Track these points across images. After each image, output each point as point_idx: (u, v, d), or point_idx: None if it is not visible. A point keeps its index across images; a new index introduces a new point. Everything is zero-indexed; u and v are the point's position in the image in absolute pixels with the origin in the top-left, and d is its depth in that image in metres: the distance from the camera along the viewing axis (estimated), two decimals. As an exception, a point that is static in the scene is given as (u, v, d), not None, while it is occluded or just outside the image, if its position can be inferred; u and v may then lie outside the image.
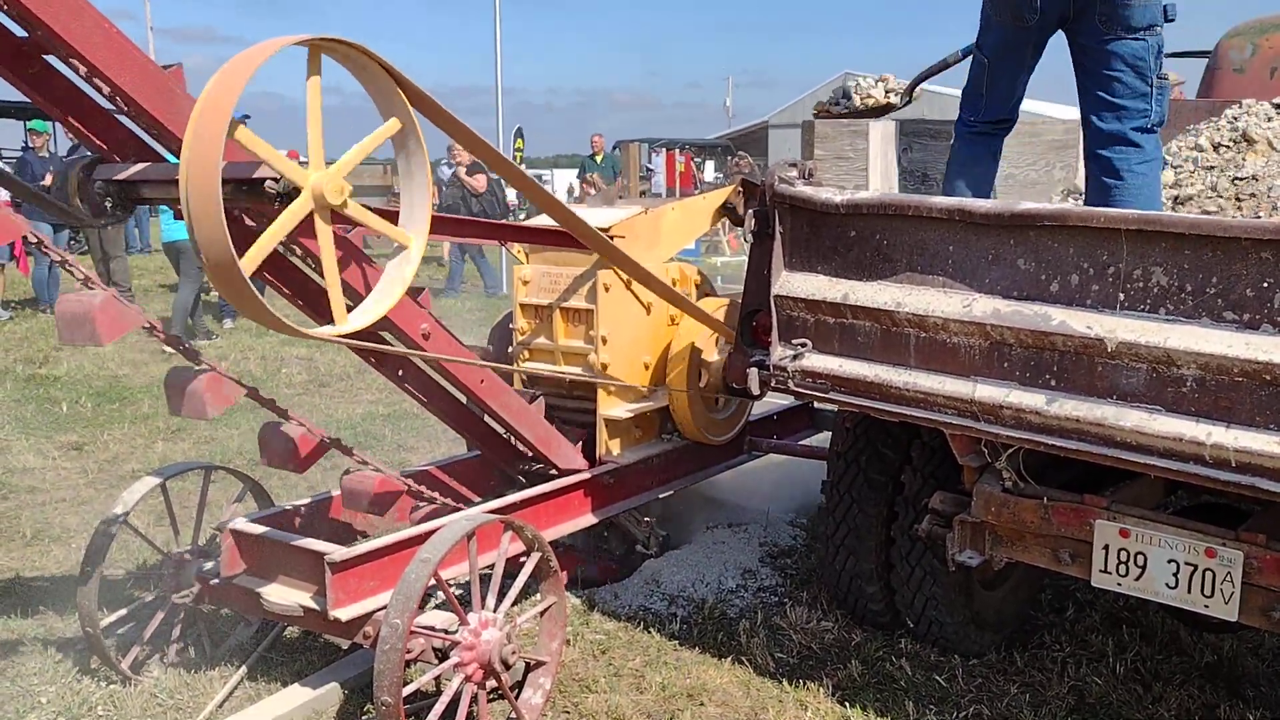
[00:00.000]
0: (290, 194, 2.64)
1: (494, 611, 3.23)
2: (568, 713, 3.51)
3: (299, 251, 3.26)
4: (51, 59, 2.84)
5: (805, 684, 3.64)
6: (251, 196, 2.70)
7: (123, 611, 3.68)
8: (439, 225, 3.19)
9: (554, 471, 4.14)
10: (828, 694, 3.59)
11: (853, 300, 3.10)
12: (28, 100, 3.00)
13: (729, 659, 3.83)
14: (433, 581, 3.04)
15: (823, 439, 5.10)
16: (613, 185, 16.35)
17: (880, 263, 3.08)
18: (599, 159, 17.91)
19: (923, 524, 3.53)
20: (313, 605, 3.27)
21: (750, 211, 3.24)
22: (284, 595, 3.36)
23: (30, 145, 12.38)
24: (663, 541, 4.70)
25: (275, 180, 2.66)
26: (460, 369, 3.65)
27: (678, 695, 3.59)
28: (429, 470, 4.14)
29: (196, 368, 3.14)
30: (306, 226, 2.73)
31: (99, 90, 2.79)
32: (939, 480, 3.64)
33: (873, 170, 3.80)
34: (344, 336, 2.87)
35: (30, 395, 7.95)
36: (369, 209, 2.92)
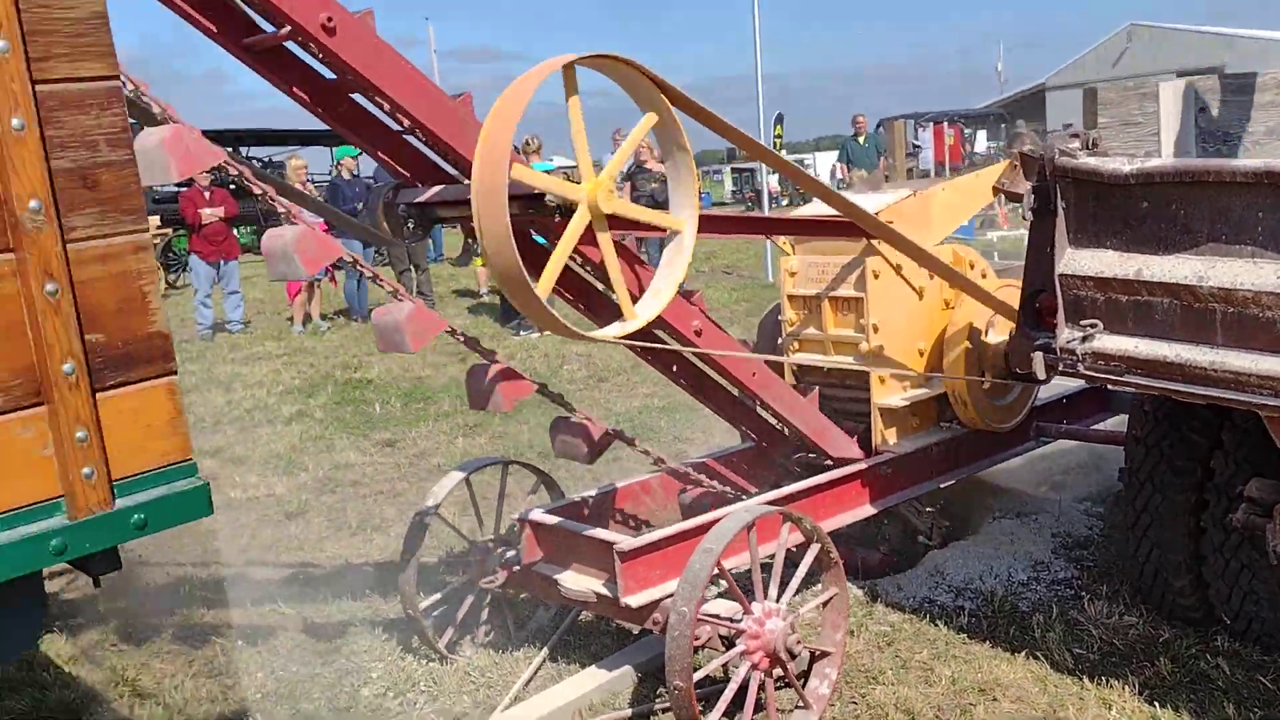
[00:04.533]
0: (569, 208, 2.80)
1: (777, 601, 3.28)
2: (855, 704, 3.51)
3: (578, 259, 3.45)
4: (357, 97, 3.15)
5: (1108, 681, 3.45)
6: (535, 211, 2.89)
7: (437, 595, 4.02)
8: (706, 224, 3.27)
9: (829, 462, 4.14)
10: (1134, 692, 3.38)
11: (1147, 276, 2.90)
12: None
13: (1022, 654, 3.69)
14: (715, 571, 3.13)
15: (1118, 423, 4.80)
16: (875, 169, 15.98)
17: (1178, 234, 2.86)
18: (862, 139, 17.54)
19: (1238, 513, 3.25)
20: (605, 592, 3.45)
21: (1029, 188, 3.10)
22: (579, 582, 3.56)
23: (339, 170, 13.63)
24: (946, 532, 4.59)
25: (556, 196, 2.83)
26: (731, 362, 3.73)
27: (969, 689, 3.51)
28: (705, 462, 4.25)
29: (493, 364, 3.38)
30: (585, 235, 2.89)
31: (399, 122, 3.07)
32: (1254, 466, 3.35)
33: (1165, 135, 3.54)
34: (623, 338, 3.00)
35: (348, 398, 8.78)
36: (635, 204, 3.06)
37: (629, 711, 3.49)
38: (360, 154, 13.64)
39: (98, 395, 1.68)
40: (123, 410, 1.71)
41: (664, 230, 3.15)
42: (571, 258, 3.46)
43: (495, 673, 3.87)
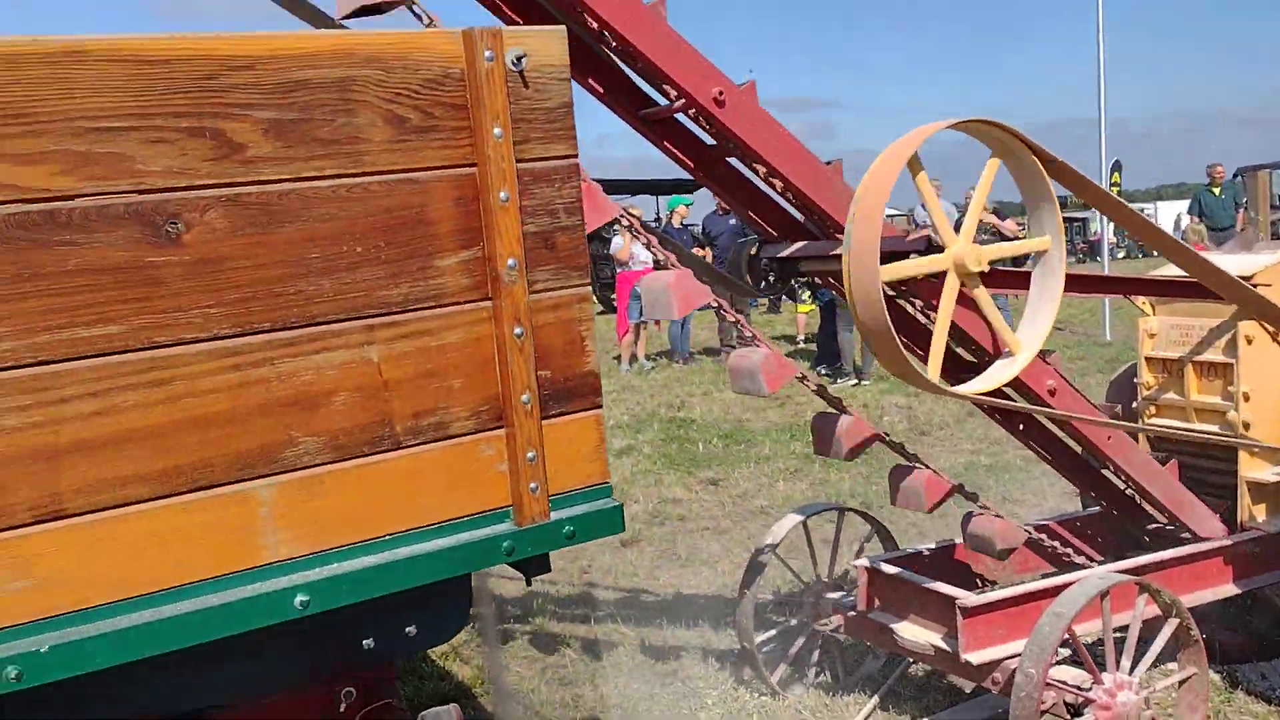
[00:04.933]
0: (934, 250, 2.92)
1: (1130, 674, 3.17)
2: (1211, 793, 3.31)
3: (916, 305, 3.53)
4: (733, 160, 3.42)
5: None
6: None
7: (771, 632, 4.19)
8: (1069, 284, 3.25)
9: (1185, 535, 3.94)
10: None
11: None
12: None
13: None
14: (1065, 636, 3.09)
15: None
16: (1232, 224, 14.72)
17: None
18: (1218, 191, 16.21)
19: None
20: (943, 646, 3.47)
21: None
22: (916, 633, 3.60)
23: (671, 218, 14.36)
24: (1319, 622, 4.20)
25: (920, 253, 2.96)
26: (1089, 427, 3.65)
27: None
28: (1048, 524, 4.16)
29: (840, 413, 3.52)
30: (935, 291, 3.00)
31: (771, 185, 3.31)
32: None
33: None
34: (980, 393, 3.06)
35: (673, 435, 9.21)
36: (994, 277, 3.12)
37: (962, 768, 3.49)
38: (692, 204, 14.34)
39: (544, 423, 1.99)
40: (561, 436, 2.01)
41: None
42: (914, 305, 3.56)
43: (826, 714, 3.98)
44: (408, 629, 2.19)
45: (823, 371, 12.02)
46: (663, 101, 3.23)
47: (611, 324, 15.17)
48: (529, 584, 2.18)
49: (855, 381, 11.28)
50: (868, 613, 3.81)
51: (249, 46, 1.73)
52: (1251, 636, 4.21)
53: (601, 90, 3.35)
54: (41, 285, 1.59)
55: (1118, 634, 3.28)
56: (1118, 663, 3.18)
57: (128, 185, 1.66)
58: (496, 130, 1.89)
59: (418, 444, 1.89)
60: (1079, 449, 3.92)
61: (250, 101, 1.74)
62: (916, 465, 3.71)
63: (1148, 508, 4.00)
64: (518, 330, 1.93)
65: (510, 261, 1.91)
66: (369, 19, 2.91)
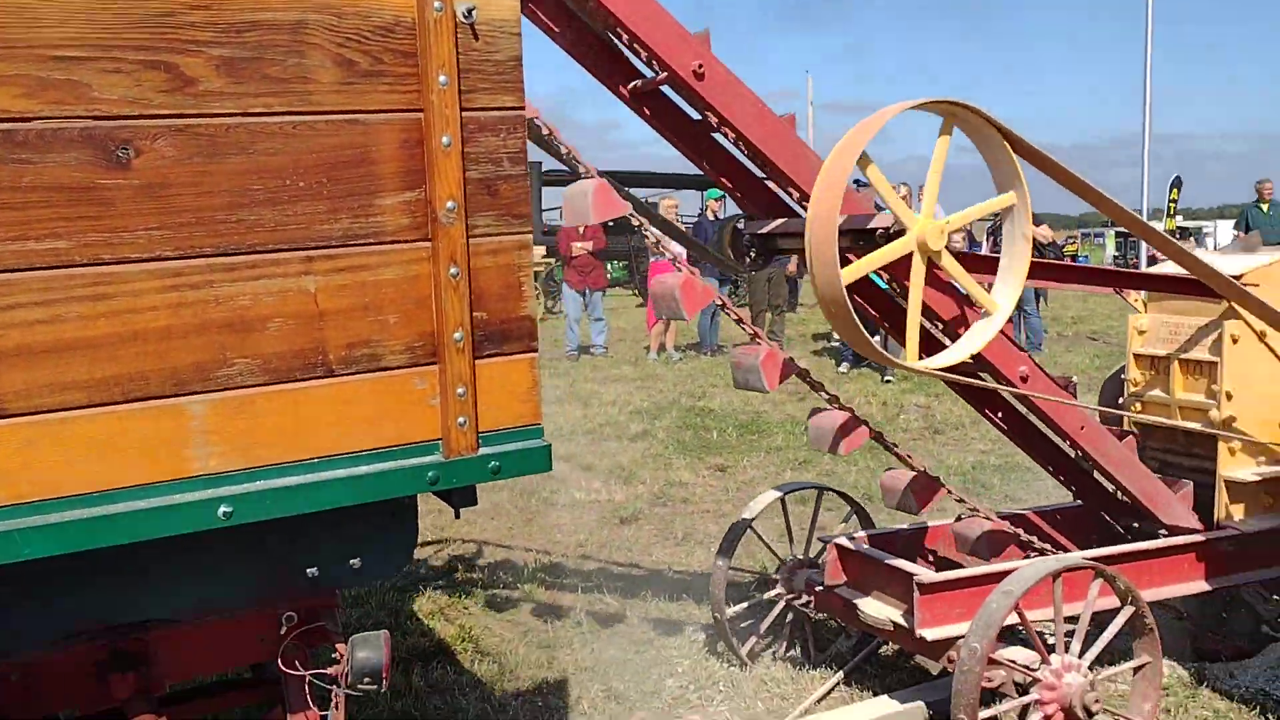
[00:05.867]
0: (895, 234, 2.97)
1: (1079, 658, 3.21)
2: (1159, 781, 3.34)
3: (897, 290, 3.58)
4: (718, 137, 3.49)
5: None
6: (865, 245, 3.07)
7: (744, 605, 4.26)
8: (1037, 271, 3.29)
9: (1163, 531, 3.95)
10: None
11: None
12: (704, 174, 3.70)
13: (1369, 767, 3.34)
14: (1015, 616, 3.13)
15: None
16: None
17: None
18: (1265, 207, 15.93)
19: None
20: (902, 622, 3.53)
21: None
22: (877, 609, 3.66)
23: (706, 212, 14.42)
24: (1296, 626, 4.20)
25: (885, 230, 3.01)
26: (1061, 415, 3.68)
27: (1295, 792, 3.23)
28: (1026, 514, 4.19)
29: (835, 408, 3.58)
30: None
31: (755, 163, 3.37)
32: None
33: None
34: (946, 369, 3.11)
35: (689, 424, 9.28)
36: (963, 264, 3.15)
37: (916, 744, 3.54)
38: (724, 197, 14.39)
39: (477, 361, 2.09)
40: (494, 376, 2.10)
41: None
42: (895, 288, 3.61)
43: (791, 686, 4.04)
44: (351, 561, 2.30)
45: (847, 366, 12.02)
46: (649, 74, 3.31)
47: (644, 315, 15.28)
48: (457, 515, 2.27)
49: (884, 377, 11.26)
50: (834, 588, 3.87)
51: (206, -14, 1.84)
52: (1228, 637, 4.20)
53: (604, 75, 3.42)
54: (-3, 199, 1.71)
55: (1074, 621, 3.32)
56: (1067, 646, 3.22)
57: (84, 111, 1.78)
58: (442, 78, 1.98)
59: (350, 373, 1.99)
60: (1062, 442, 3.94)
61: (205, 38, 1.85)
62: (908, 467, 3.72)
63: (1125, 500, 4.01)
64: (453, 270, 2.02)
65: (449, 204, 2.01)
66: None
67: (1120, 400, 4.35)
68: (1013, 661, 3.23)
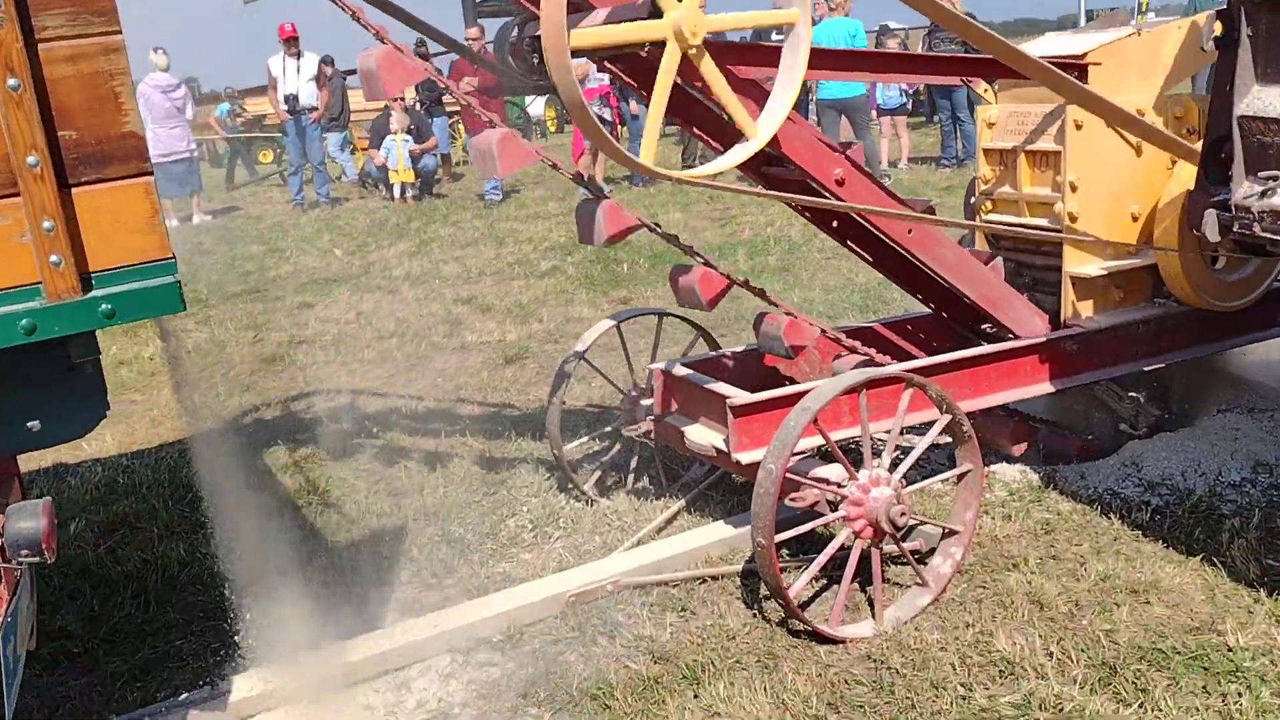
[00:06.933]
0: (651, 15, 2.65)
1: (890, 471, 3.05)
2: (984, 587, 3.24)
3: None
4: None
5: (1290, 601, 2.97)
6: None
7: (585, 439, 4.09)
8: (816, 59, 2.93)
9: (1011, 336, 3.76)
10: (1318, 617, 2.89)
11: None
12: None
13: (1198, 558, 3.24)
14: (816, 432, 2.96)
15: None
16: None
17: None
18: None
19: None
20: (723, 447, 3.36)
21: (1211, 13, 2.56)
22: (702, 435, 3.49)
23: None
24: (1154, 422, 4.06)
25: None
26: (888, 221, 3.42)
27: (1119, 589, 3.14)
28: (873, 327, 3.99)
29: (599, 200, 3.29)
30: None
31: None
32: None
33: None
34: (712, 178, 2.83)
35: (601, 257, 8.98)
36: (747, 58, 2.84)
37: (740, 567, 3.42)
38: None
39: (72, 190, 1.80)
40: (98, 207, 1.83)
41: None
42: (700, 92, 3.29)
43: (633, 518, 3.92)
44: (29, 424, 2.08)
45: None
46: None
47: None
48: (71, 370, 2.00)
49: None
50: (664, 417, 3.69)
51: None
52: (1084, 439, 4.07)
53: None
54: None
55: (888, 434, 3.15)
56: (877, 462, 3.06)
57: None
58: None
59: (-95, 211, 1.71)
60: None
61: None
62: (700, 264, 3.50)
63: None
64: (12, 82, 1.71)
65: (-6, 2, 1.68)
66: None
67: (971, 200, 4.08)
68: (821, 480, 3.08)
